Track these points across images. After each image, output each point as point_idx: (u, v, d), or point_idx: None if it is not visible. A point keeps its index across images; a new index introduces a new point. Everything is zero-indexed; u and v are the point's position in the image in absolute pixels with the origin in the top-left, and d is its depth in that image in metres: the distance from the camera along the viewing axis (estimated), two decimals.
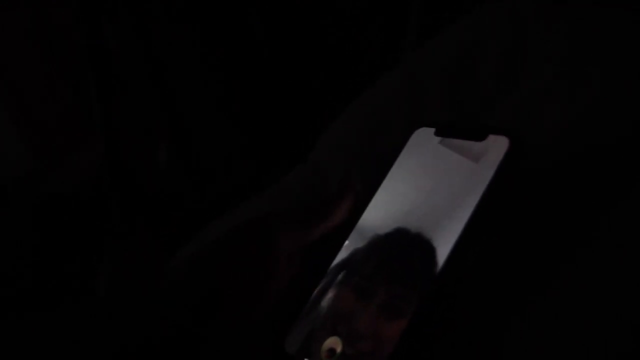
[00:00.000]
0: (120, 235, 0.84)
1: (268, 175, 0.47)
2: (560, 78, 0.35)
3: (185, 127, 0.91)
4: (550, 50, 0.37)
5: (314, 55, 0.89)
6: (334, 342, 0.27)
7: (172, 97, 0.89)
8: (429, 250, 0.27)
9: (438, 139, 0.31)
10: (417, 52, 0.45)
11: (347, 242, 0.30)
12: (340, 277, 0.29)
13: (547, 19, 0.39)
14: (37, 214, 0.91)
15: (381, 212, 0.31)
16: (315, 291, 0.29)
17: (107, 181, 0.86)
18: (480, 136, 0.29)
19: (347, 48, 0.87)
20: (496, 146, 0.28)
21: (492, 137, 0.29)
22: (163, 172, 0.91)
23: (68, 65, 0.97)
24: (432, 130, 0.32)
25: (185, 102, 0.91)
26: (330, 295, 0.29)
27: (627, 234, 0.28)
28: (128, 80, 0.89)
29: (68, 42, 0.95)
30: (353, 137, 0.41)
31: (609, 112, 0.33)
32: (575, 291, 0.28)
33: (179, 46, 0.91)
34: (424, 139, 0.32)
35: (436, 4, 0.68)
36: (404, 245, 0.29)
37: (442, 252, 0.27)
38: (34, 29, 0.95)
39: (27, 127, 0.98)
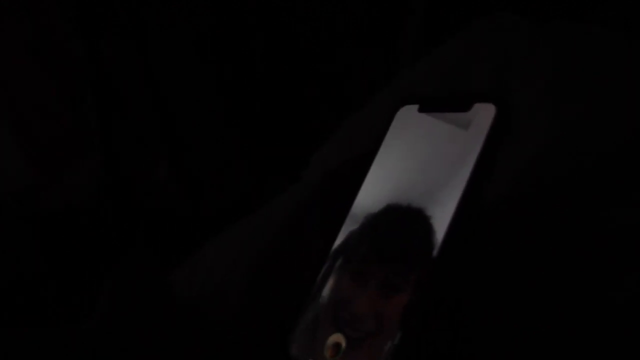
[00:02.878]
0: (119, 250, 0.84)
1: (265, 190, 0.47)
2: (545, 94, 0.36)
3: (184, 142, 0.91)
4: (536, 68, 0.38)
5: (311, 73, 0.90)
6: (337, 339, 0.26)
7: (171, 112, 0.89)
8: (425, 225, 0.26)
9: (422, 115, 0.30)
10: (410, 70, 0.45)
11: (342, 228, 0.30)
12: (335, 265, 0.29)
13: (533, 37, 0.40)
14: (35, 229, 0.91)
15: (373, 194, 0.30)
16: (315, 284, 0.29)
17: (106, 196, 0.87)
18: (465, 106, 0.28)
19: (343, 65, 0.88)
20: (483, 114, 0.27)
21: (477, 106, 0.28)
22: (161, 187, 0.91)
23: (67, 81, 0.97)
24: (416, 107, 0.31)
25: (183, 117, 0.92)
26: (327, 286, 0.28)
27: (611, 247, 0.29)
28: (126, 95, 0.90)
29: (67, 58, 0.96)
30: (347, 156, 0.41)
31: (593, 129, 0.34)
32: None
33: (178, 62, 0.92)
34: (408, 117, 0.31)
35: (433, 22, 0.69)
36: (398, 224, 0.28)
37: (439, 226, 0.26)
38: (33, 44, 0.96)
39: (26, 142, 0.99)
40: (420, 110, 0.31)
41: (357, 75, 0.88)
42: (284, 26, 0.90)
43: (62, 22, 0.95)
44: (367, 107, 0.45)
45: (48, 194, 0.94)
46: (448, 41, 0.44)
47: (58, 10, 0.95)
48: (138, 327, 0.28)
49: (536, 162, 0.33)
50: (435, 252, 0.25)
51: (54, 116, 0.98)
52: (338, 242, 0.30)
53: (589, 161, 0.32)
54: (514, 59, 0.39)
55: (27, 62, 0.96)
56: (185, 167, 0.91)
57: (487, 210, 0.30)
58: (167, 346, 0.28)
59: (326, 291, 0.28)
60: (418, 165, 0.29)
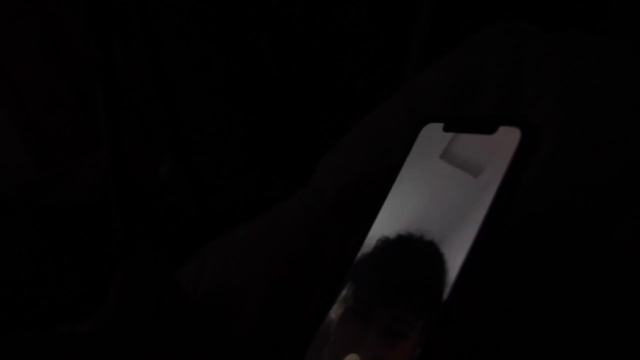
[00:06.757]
0: (123, 247, 0.85)
1: (270, 189, 0.47)
2: (557, 105, 0.35)
3: (188, 140, 0.92)
4: (548, 78, 0.37)
5: (317, 73, 0.90)
6: (352, 359, 0.26)
7: (176, 110, 0.90)
8: (438, 262, 0.25)
9: (447, 135, 0.29)
10: (418, 76, 0.45)
11: (358, 254, 0.29)
12: (344, 294, 0.28)
13: (544, 46, 0.39)
14: (39, 224, 0.91)
15: (389, 220, 0.29)
16: (327, 312, 0.28)
17: (110, 192, 0.87)
18: (490, 129, 0.27)
19: (351, 70, 0.88)
20: (508, 139, 0.26)
21: (503, 129, 0.27)
22: (165, 184, 0.91)
23: (74, 76, 0.98)
24: (441, 125, 0.30)
25: (188, 115, 0.92)
26: (335, 321, 0.28)
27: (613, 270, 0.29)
28: (133, 93, 0.90)
29: (75, 53, 0.96)
30: (354, 162, 0.41)
31: (606, 141, 0.33)
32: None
33: (185, 60, 0.92)
34: (432, 136, 0.30)
35: (438, 28, 0.69)
36: (410, 258, 0.27)
37: (453, 264, 0.25)
38: (41, 39, 0.97)
39: (31, 137, 0.99)
40: (445, 129, 0.30)
41: (361, 76, 0.88)
42: (289, 27, 0.90)
43: (69, 18, 0.95)
44: (376, 112, 0.44)
45: (53, 190, 0.95)
46: (457, 48, 0.43)
47: (65, 6, 0.95)
48: (147, 324, 0.28)
49: (548, 175, 0.32)
50: (445, 295, 0.24)
51: (60, 112, 0.98)
52: (352, 266, 0.29)
53: (601, 174, 0.32)
54: (525, 68, 0.38)
55: (34, 57, 0.97)
56: (189, 165, 0.91)
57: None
58: (176, 342, 0.28)
59: (333, 326, 0.28)
60: (438, 193, 0.28)
